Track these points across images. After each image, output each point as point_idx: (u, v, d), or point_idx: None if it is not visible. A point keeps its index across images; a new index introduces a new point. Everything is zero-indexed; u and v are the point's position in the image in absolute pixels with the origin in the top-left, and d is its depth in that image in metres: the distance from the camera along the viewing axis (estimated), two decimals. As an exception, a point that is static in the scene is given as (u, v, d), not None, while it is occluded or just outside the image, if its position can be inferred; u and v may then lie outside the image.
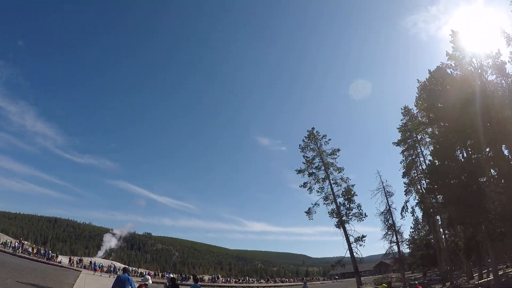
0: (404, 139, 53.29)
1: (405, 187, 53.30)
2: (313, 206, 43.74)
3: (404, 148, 53.03)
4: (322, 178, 44.55)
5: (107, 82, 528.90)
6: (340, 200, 43.32)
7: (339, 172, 44.38)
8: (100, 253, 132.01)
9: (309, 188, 44.82)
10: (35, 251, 59.30)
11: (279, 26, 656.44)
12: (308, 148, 47.07)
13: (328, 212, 44.02)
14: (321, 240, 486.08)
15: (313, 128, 48.13)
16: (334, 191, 43.63)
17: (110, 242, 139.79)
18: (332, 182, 44.10)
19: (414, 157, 52.12)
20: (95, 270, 58.18)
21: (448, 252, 47.10)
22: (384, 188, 50.48)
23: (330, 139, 46.90)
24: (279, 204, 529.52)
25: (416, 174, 52.93)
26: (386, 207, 50.11)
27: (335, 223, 42.60)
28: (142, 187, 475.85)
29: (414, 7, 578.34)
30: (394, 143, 54.38)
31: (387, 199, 50.60)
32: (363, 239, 40.85)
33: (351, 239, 41.33)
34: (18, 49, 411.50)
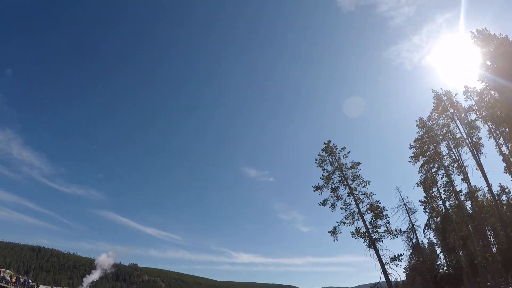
0: (422, 153, 47.77)
1: (421, 204, 47.69)
2: (339, 225, 37.19)
3: (423, 161, 47.38)
4: (347, 194, 38.29)
5: (93, 112, 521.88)
6: (367, 217, 36.95)
7: (364, 186, 38.25)
8: (94, 276, 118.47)
9: (332, 205, 38.46)
10: (13, 279, 50.67)
11: (265, 54, 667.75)
12: (326, 162, 41.00)
13: (351, 232, 37.54)
14: (310, 271, 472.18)
15: (329, 141, 42.32)
16: (360, 207, 37.26)
17: (105, 263, 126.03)
18: (356, 197, 37.80)
19: (436, 169, 46.21)
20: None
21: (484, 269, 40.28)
22: (405, 205, 44.75)
23: (349, 152, 40.98)
24: (268, 235, 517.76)
25: (436, 190, 47.00)
26: (409, 225, 44.27)
27: (366, 243, 35.91)
28: (129, 218, 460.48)
29: (397, 37, 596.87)
30: (411, 157, 48.60)
31: (409, 216, 44.80)
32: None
33: (384, 259, 34.70)
34: (6, 77, 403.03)
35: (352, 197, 37.78)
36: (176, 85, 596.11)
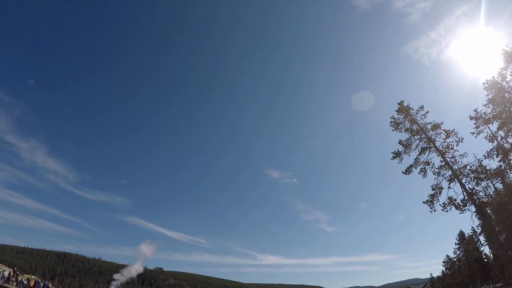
0: (496, 116, 40.81)
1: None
2: (436, 192, 30.75)
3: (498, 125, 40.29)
4: (438, 156, 31.90)
5: (116, 119, 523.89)
6: (465, 180, 30.51)
7: (457, 145, 31.87)
8: (136, 266, 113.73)
9: (422, 171, 32.21)
10: (32, 283, 45.69)
11: (289, 59, 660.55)
12: (403, 124, 34.96)
13: (442, 204, 31.08)
14: (336, 270, 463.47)
15: (402, 101, 36.04)
16: (455, 170, 30.92)
17: (146, 251, 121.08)
18: (448, 160, 31.50)
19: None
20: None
21: None
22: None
23: (428, 112, 34.79)
24: (292, 236, 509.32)
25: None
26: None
27: (472, 211, 29.38)
28: (153, 222, 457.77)
29: (414, 33, 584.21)
30: (484, 120, 41.54)
31: (493, 186, 37.68)
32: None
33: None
34: (29, 88, 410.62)
35: (443, 160, 31.57)
36: (201, 94, 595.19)
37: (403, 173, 32.98)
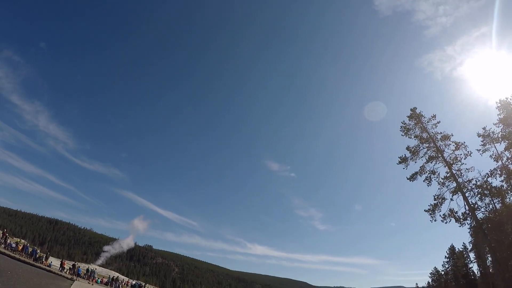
0: (506, 136, 40.83)
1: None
2: (439, 202, 30.74)
3: (506, 145, 40.09)
4: (444, 166, 31.90)
5: (124, 92, 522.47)
6: (468, 194, 30.53)
7: (464, 159, 31.85)
8: (128, 240, 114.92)
9: (427, 179, 32.18)
10: (20, 247, 45.34)
11: (303, 55, 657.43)
12: (414, 131, 34.87)
13: (442, 215, 31.14)
14: (322, 269, 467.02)
15: (415, 108, 36.00)
16: (460, 183, 30.89)
17: (139, 226, 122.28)
18: (454, 172, 31.46)
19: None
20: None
21: None
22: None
23: (439, 122, 34.70)
24: (284, 229, 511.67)
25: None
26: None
27: (467, 226, 29.54)
28: (147, 199, 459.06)
29: (430, 46, 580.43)
30: (491, 138, 41.64)
31: (494, 204, 37.73)
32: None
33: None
34: (39, 50, 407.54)
35: (450, 171, 31.52)
36: (212, 80, 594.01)
37: (407, 179, 33.02)
